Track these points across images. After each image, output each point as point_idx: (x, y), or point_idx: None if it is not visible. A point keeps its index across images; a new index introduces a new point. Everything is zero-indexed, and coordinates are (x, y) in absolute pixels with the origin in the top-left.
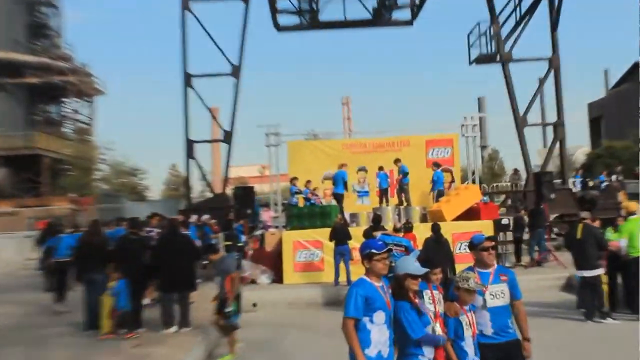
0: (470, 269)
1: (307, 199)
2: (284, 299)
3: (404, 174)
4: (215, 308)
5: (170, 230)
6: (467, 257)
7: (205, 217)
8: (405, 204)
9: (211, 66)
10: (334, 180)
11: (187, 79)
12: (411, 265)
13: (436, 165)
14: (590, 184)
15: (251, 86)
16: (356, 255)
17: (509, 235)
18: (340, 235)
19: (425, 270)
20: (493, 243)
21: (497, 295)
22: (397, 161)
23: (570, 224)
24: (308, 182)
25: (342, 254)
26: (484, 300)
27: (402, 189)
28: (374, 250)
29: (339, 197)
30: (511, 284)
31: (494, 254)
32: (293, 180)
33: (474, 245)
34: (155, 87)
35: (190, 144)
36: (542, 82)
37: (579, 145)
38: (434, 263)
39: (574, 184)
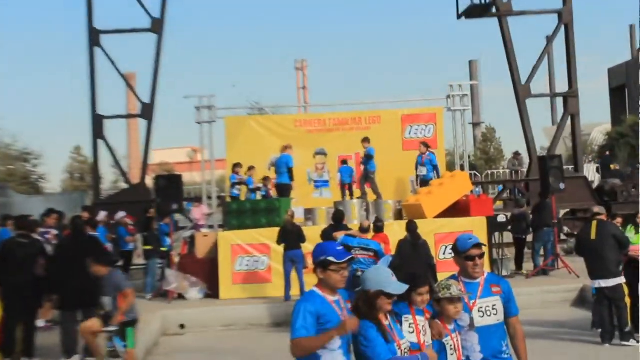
0: (454, 277)
1: (252, 191)
2: (220, 318)
3: (367, 157)
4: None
5: (73, 232)
6: (452, 264)
7: (120, 214)
8: (372, 196)
9: (126, 20)
10: (276, 166)
11: (94, 35)
12: (387, 280)
13: (425, 145)
14: (612, 167)
15: (178, 46)
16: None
17: (508, 237)
18: (291, 237)
19: (405, 288)
20: (482, 251)
21: (487, 311)
22: (365, 141)
23: (584, 221)
24: (251, 168)
25: (293, 261)
26: (471, 319)
27: (367, 177)
28: (330, 258)
29: (283, 189)
30: (505, 297)
31: (481, 264)
32: (235, 167)
33: (458, 251)
34: (53, 47)
35: (98, 121)
36: (549, 41)
37: (597, 122)
38: (419, 278)
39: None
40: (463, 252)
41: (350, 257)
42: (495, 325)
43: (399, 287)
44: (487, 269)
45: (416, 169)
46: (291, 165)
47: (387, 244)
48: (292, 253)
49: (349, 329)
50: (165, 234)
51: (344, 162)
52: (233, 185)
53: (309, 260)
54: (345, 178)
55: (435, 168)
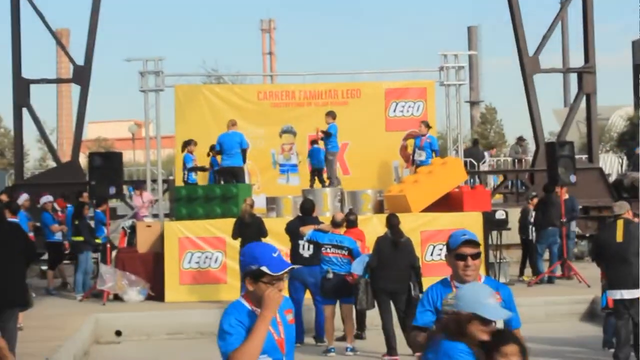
0: (445, 282)
1: (218, 174)
2: (165, 325)
3: (326, 135)
4: None
5: None
6: (441, 267)
7: (46, 198)
8: (327, 182)
9: None
10: (224, 146)
11: None
12: (483, 301)
13: (426, 125)
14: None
15: None
16: None
17: (509, 237)
18: (249, 231)
19: (507, 314)
20: (476, 250)
21: None
22: (329, 115)
23: (600, 221)
24: (212, 148)
25: None
26: None
27: (326, 159)
28: (263, 268)
29: (236, 173)
30: (505, 307)
31: (476, 266)
32: (186, 145)
33: (449, 248)
34: None
35: (22, 85)
36: (563, 5)
37: (617, 104)
38: (506, 335)
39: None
40: (453, 249)
41: (289, 267)
42: None
43: (497, 312)
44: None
45: (413, 153)
46: (245, 146)
47: (362, 241)
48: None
49: (276, 302)
50: (102, 223)
51: (314, 142)
52: (188, 168)
53: None
54: (316, 162)
55: (435, 153)
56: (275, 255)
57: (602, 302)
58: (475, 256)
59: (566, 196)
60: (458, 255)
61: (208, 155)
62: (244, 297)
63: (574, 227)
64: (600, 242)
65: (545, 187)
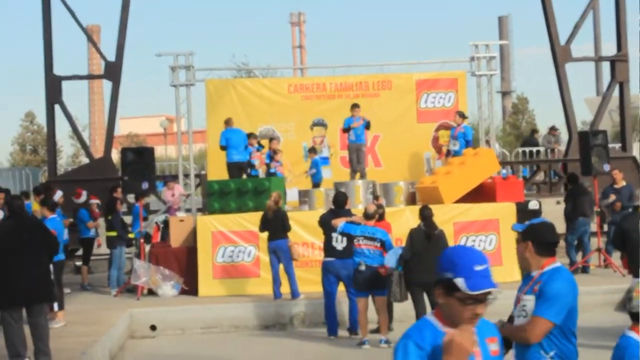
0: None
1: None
2: (199, 319)
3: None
4: None
5: (14, 214)
6: None
7: (85, 194)
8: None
9: None
10: (230, 142)
11: None
12: None
13: (462, 115)
14: None
15: None
16: (307, 253)
17: None
18: (273, 224)
19: None
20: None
21: (522, 312)
22: (354, 108)
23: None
24: (271, 140)
25: (276, 252)
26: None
27: (361, 152)
28: (459, 281)
29: (244, 168)
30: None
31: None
32: (249, 138)
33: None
34: None
35: (55, 82)
36: None
37: None
38: None
39: None
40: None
41: (488, 289)
42: None
43: None
44: (516, 263)
45: (450, 142)
46: (247, 142)
47: (390, 234)
48: (274, 244)
49: (463, 351)
50: (136, 217)
51: (355, 106)
52: (249, 164)
53: (296, 251)
54: (357, 137)
55: (467, 144)
56: (478, 268)
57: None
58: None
59: (623, 183)
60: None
61: (245, 148)
62: (434, 313)
63: None
64: (622, 230)
65: (569, 178)
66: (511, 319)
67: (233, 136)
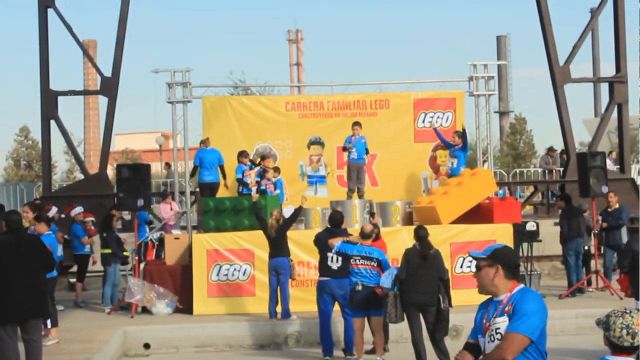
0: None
1: (241, 184)
2: (193, 338)
3: (364, 147)
4: None
5: (11, 230)
6: (473, 279)
7: (78, 209)
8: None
9: None
10: (203, 162)
11: None
12: None
13: (459, 135)
14: None
15: (147, 10)
16: (303, 272)
17: (539, 248)
18: (276, 242)
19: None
20: (480, 262)
21: (492, 335)
22: (355, 126)
23: (632, 232)
24: (264, 158)
25: (277, 270)
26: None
27: (362, 171)
28: None
29: (214, 189)
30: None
31: (479, 277)
32: (240, 156)
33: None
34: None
35: (50, 97)
36: (595, 14)
37: None
38: None
39: None
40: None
41: None
42: None
43: None
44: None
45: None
46: (222, 162)
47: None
48: (275, 261)
49: None
50: (145, 221)
51: (356, 125)
52: (241, 182)
53: (295, 271)
54: (359, 152)
55: (465, 150)
56: None
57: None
58: (477, 268)
59: (617, 206)
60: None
61: (258, 164)
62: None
63: (624, 236)
64: (635, 252)
65: (563, 197)
66: (468, 345)
67: (206, 156)
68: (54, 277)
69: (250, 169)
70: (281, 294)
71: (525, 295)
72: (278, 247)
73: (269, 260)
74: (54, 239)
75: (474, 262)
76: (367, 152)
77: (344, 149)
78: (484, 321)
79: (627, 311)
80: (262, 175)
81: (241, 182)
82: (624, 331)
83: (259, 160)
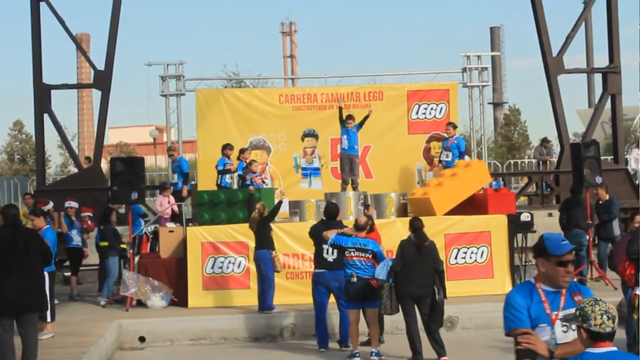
0: (529, 283)
1: (242, 178)
2: (188, 330)
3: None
4: None
5: (9, 224)
6: (467, 270)
7: (69, 203)
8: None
9: None
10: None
11: None
12: None
13: (453, 126)
14: None
15: (140, 3)
16: (297, 264)
17: (534, 239)
18: (258, 235)
19: None
20: (573, 256)
21: (571, 326)
22: (348, 119)
23: (625, 222)
24: (243, 151)
25: (258, 263)
26: (554, 337)
27: (354, 164)
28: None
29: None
30: None
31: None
32: (224, 149)
33: (547, 254)
34: None
35: (44, 91)
36: (588, 5)
37: None
38: None
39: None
40: (557, 255)
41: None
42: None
43: None
44: (507, 276)
45: (440, 154)
46: (186, 170)
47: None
48: (256, 254)
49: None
50: (140, 215)
51: (349, 118)
52: (222, 171)
53: (279, 263)
54: (351, 141)
55: (461, 155)
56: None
57: (626, 299)
58: (573, 263)
59: (607, 197)
60: (562, 262)
61: (238, 158)
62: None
63: (616, 228)
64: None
65: (572, 189)
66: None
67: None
68: (53, 272)
69: (231, 164)
70: (265, 285)
71: (578, 283)
72: (259, 239)
73: (255, 252)
74: (53, 233)
75: (469, 253)
76: (361, 125)
77: (340, 108)
78: (548, 311)
79: (598, 299)
80: (244, 169)
81: (222, 172)
82: (605, 316)
83: (238, 154)
